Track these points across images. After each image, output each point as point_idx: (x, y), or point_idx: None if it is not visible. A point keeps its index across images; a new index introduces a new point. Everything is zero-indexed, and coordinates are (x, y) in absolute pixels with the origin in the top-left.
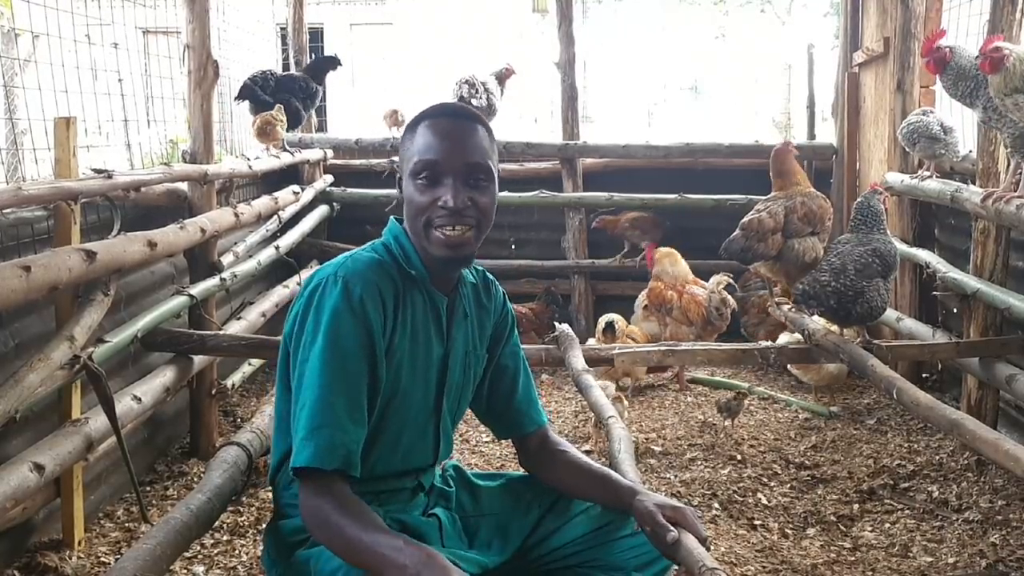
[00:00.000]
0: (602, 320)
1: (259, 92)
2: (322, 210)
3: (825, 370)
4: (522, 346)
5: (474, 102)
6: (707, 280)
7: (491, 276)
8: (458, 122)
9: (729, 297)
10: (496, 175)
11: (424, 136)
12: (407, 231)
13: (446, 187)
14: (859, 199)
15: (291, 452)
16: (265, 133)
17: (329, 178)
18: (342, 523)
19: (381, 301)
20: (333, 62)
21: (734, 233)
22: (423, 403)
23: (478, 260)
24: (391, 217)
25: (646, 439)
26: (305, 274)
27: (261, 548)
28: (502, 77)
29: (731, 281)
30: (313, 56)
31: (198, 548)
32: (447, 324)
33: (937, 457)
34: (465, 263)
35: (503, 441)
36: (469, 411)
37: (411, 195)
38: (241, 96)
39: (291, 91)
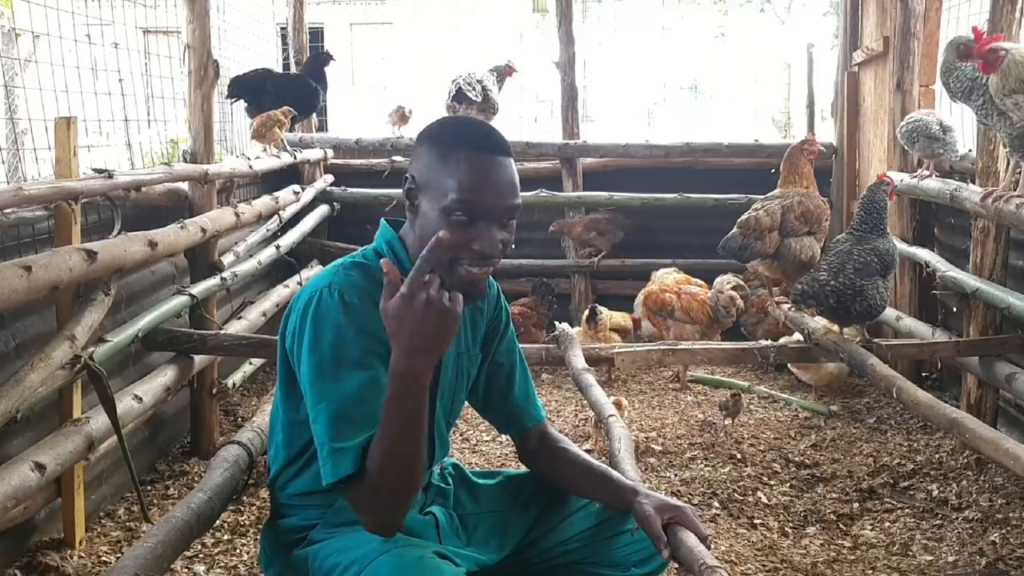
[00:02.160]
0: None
1: (247, 93)
2: (322, 210)
3: (825, 369)
4: (523, 345)
5: (470, 95)
6: (705, 279)
7: None
8: (499, 160)
9: (737, 296)
10: None
11: (465, 171)
12: (402, 238)
13: (481, 230)
14: (865, 195)
15: (293, 460)
16: (262, 135)
17: (329, 178)
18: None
19: (377, 309)
20: (326, 58)
21: (731, 231)
22: None
23: None
24: (382, 220)
25: (646, 438)
26: (306, 273)
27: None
28: (503, 74)
29: (740, 282)
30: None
31: (199, 547)
32: None
33: (937, 456)
34: (481, 297)
35: (503, 440)
36: (470, 411)
37: (438, 228)
38: (231, 95)
39: (285, 92)
